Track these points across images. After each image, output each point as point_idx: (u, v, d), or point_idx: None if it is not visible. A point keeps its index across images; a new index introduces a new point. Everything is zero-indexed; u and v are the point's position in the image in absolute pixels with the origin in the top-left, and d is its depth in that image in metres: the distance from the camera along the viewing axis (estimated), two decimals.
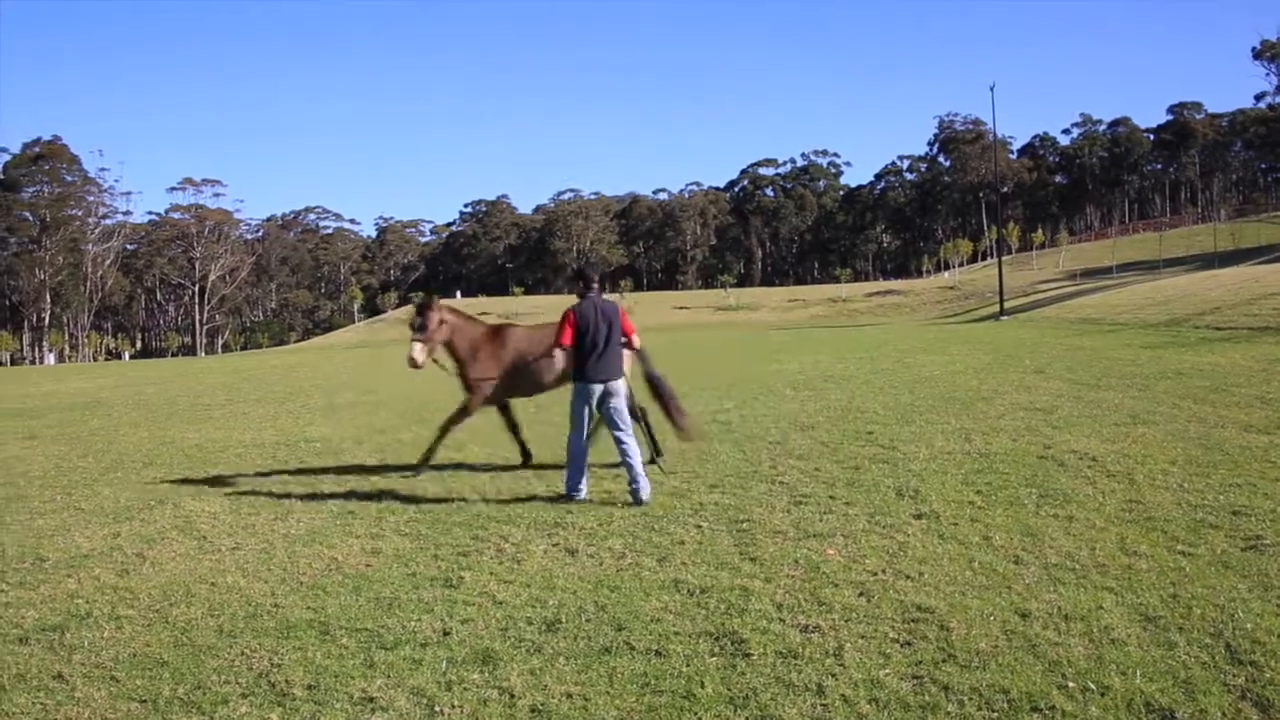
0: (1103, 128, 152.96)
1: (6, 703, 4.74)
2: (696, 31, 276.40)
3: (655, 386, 10.49)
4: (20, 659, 5.34)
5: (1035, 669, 4.60)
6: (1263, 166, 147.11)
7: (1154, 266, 72.49)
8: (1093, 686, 4.39)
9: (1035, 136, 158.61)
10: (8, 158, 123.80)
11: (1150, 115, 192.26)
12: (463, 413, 10.71)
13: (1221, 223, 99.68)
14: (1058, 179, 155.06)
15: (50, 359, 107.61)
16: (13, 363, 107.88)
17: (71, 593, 6.59)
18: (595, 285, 9.13)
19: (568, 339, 8.84)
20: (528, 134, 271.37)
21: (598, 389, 8.83)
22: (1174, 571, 5.97)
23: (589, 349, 8.81)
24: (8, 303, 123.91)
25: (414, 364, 10.07)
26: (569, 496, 8.92)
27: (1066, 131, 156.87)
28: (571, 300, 9.35)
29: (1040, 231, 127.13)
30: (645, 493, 8.64)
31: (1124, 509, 7.60)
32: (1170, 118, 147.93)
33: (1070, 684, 4.43)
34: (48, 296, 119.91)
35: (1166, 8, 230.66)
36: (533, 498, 9.15)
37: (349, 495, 9.65)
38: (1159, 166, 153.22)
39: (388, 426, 15.50)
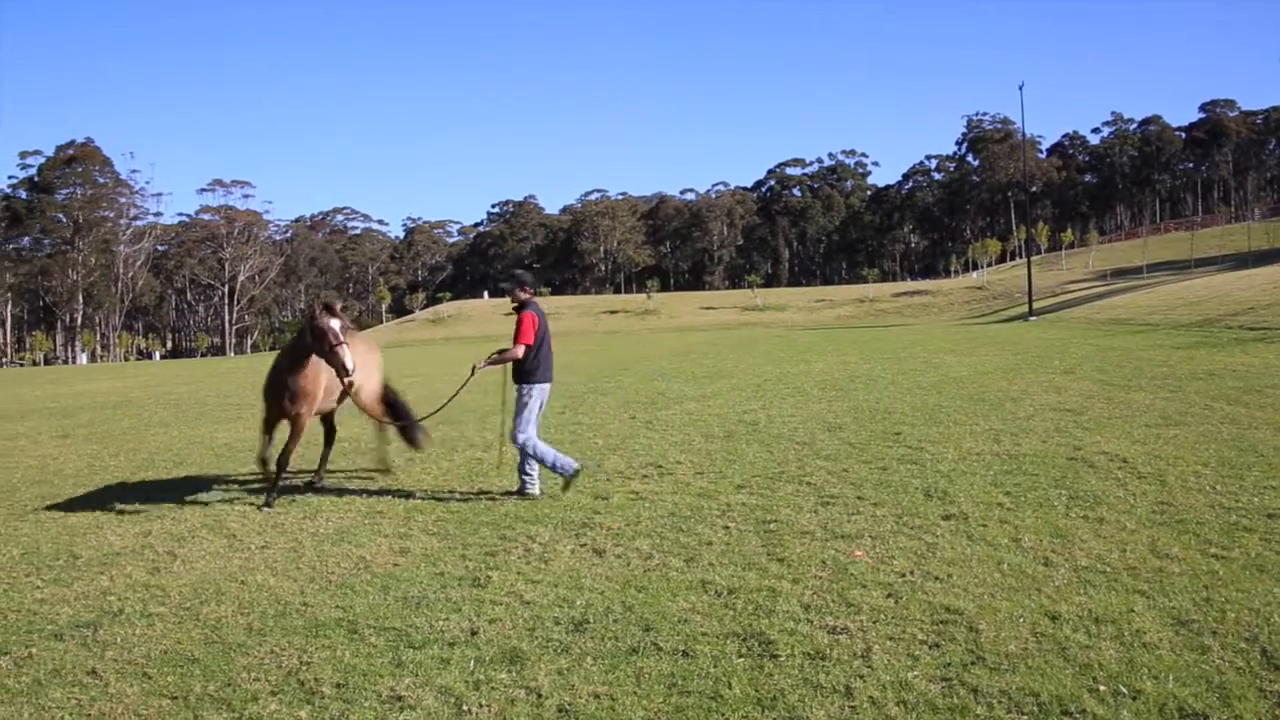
0: (1133, 126, 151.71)
1: (43, 697, 4.80)
2: (724, 32, 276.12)
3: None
4: (55, 654, 5.41)
5: (1066, 672, 4.57)
6: None
7: (1185, 266, 71.74)
8: (1124, 690, 4.34)
9: (1065, 135, 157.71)
10: (42, 160, 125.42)
11: (1182, 113, 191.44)
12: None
13: (1255, 221, 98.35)
14: (1087, 178, 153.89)
15: (83, 359, 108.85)
16: (46, 362, 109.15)
17: (104, 590, 6.66)
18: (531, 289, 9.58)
19: (531, 340, 9.14)
20: (555, 135, 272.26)
21: (549, 388, 9.39)
22: (1207, 575, 5.90)
23: (546, 350, 9.31)
24: (42, 303, 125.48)
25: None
26: (576, 473, 9.28)
27: (1096, 130, 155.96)
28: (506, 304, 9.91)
29: (1069, 231, 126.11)
30: (534, 488, 9.31)
31: (1155, 511, 7.53)
32: (1203, 115, 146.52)
33: (1101, 688, 4.39)
34: (80, 297, 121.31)
35: (1199, 4, 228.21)
36: (559, 496, 9.15)
37: (377, 494, 9.70)
38: (1191, 165, 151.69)
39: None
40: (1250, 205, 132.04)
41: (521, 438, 9.11)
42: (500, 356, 9.33)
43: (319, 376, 9.61)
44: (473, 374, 9.51)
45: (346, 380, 9.23)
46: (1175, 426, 11.37)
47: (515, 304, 9.43)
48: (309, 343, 9.21)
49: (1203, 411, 12.42)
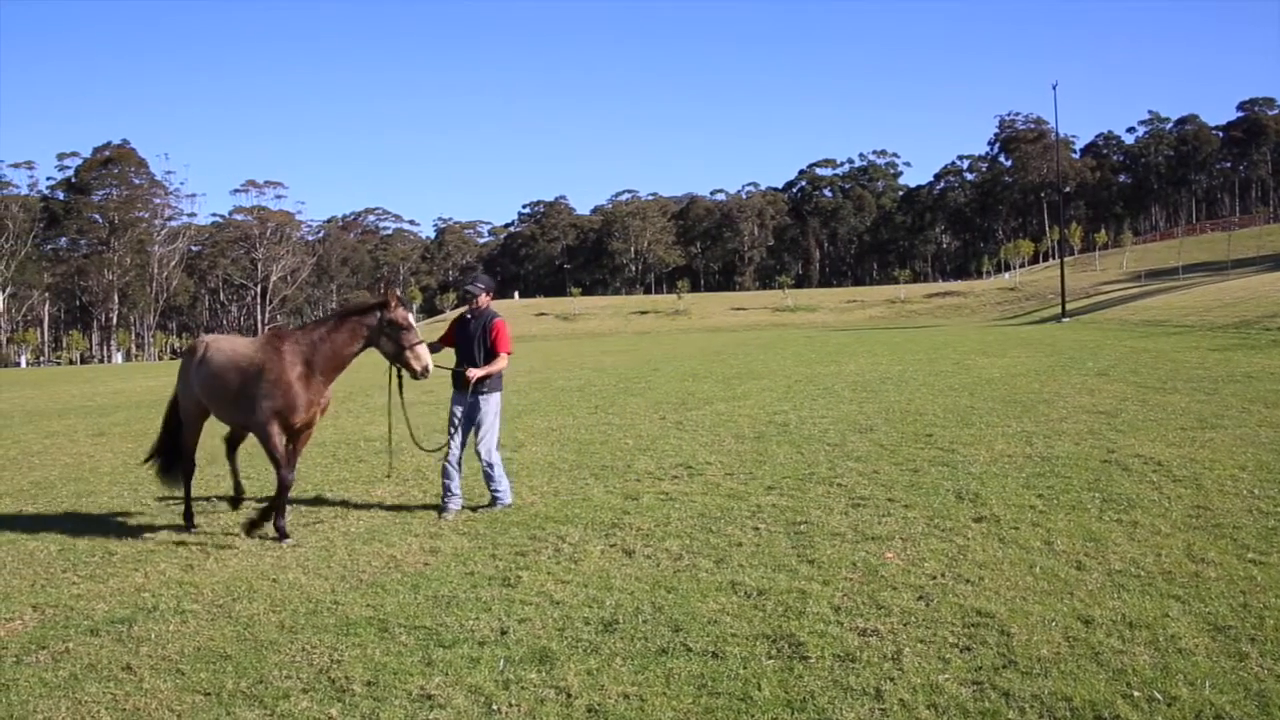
0: (1170, 125, 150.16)
1: (79, 692, 4.86)
2: (755, 33, 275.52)
3: None
4: (91, 649, 5.47)
5: (1099, 677, 4.52)
6: None
7: (1222, 267, 70.87)
8: (1159, 696, 4.29)
9: (1099, 135, 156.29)
10: (79, 162, 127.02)
11: (1220, 112, 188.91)
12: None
13: None
14: (1122, 178, 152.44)
15: (118, 358, 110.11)
16: (82, 361, 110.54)
17: (139, 586, 6.73)
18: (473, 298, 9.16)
19: (511, 347, 9.08)
20: (586, 135, 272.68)
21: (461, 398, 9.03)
22: (1244, 580, 5.83)
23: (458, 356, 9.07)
24: (78, 303, 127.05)
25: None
26: (506, 507, 8.92)
27: (1131, 130, 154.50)
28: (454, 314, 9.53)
29: (1103, 232, 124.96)
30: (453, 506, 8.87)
31: (1191, 515, 7.44)
32: (1241, 114, 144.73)
33: (1135, 693, 4.34)
34: (116, 297, 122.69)
35: (1237, 2, 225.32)
36: (590, 497, 9.17)
37: (408, 494, 9.76)
38: (1228, 165, 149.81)
39: (445, 426, 15.59)
40: None
41: (497, 453, 8.93)
42: (490, 367, 8.82)
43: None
44: (468, 386, 8.76)
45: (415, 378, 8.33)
46: (1211, 429, 11.24)
47: (474, 309, 9.01)
48: (371, 335, 8.12)
49: (1240, 414, 12.27)
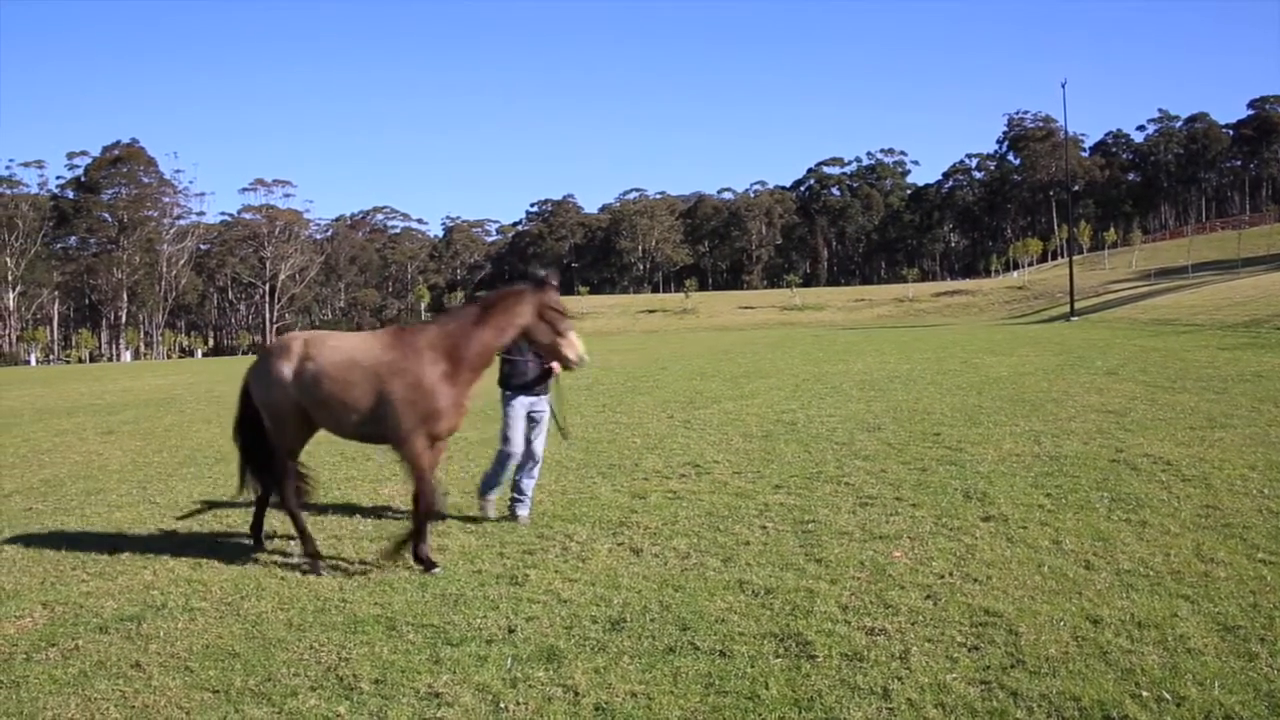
0: (1179, 124, 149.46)
1: (88, 689, 4.87)
2: (763, 32, 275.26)
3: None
4: (100, 647, 5.49)
5: (1107, 677, 4.51)
6: None
7: (1232, 266, 70.62)
8: (1168, 696, 4.28)
9: (1108, 134, 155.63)
10: (88, 161, 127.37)
11: (1230, 110, 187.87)
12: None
13: None
14: (1131, 177, 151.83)
15: (126, 356, 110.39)
16: (91, 360, 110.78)
17: (147, 584, 6.75)
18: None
19: None
20: (594, 134, 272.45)
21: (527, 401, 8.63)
22: (1254, 580, 5.81)
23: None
24: (87, 301, 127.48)
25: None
26: (484, 510, 8.59)
27: (1141, 128, 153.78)
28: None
29: (1112, 231, 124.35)
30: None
31: (1200, 515, 7.42)
32: (1251, 112, 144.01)
33: (1144, 693, 4.33)
34: (125, 295, 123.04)
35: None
36: (597, 495, 9.17)
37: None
38: (1238, 163, 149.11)
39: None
40: None
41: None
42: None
43: None
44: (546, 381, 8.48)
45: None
46: (1221, 429, 11.20)
47: None
48: (527, 325, 7.13)
49: (1249, 414, 12.23)
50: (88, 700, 4.75)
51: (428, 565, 6.82)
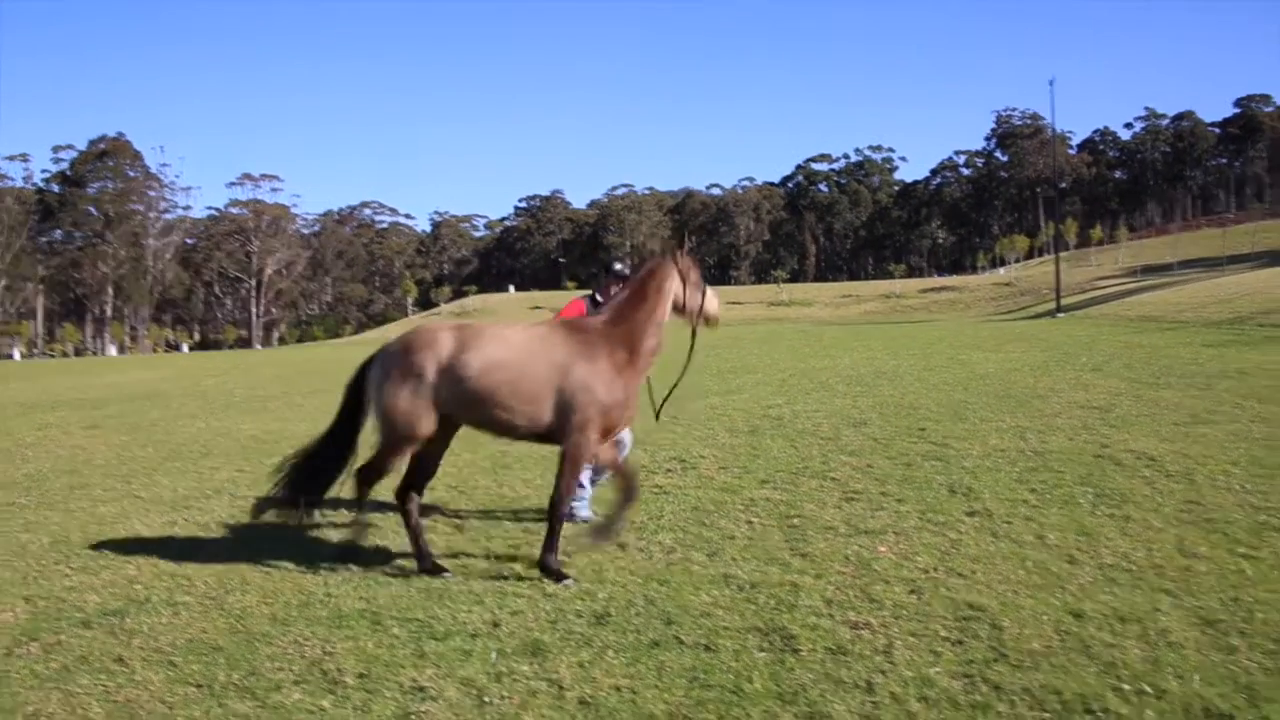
0: (1166, 122, 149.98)
1: (71, 684, 4.86)
2: (751, 27, 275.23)
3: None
4: (83, 641, 5.47)
5: (1089, 670, 4.54)
6: None
7: (1217, 263, 70.88)
8: (1149, 690, 4.31)
9: (1095, 131, 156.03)
10: (74, 154, 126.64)
11: (1216, 109, 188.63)
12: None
13: None
14: (1118, 174, 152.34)
15: (112, 351, 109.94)
16: (76, 354, 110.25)
17: (131, 578, 6.73)
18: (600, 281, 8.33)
19: None
20: (582, 129, 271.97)
21: None
22: (1235, 574, 5.85)
23: None
24: (72, 295, 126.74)
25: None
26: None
27: (1129, 126, 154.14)
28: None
29: (1099, 228, 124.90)
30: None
31: (1183, 510, 7.46)
32: (1237, 111, 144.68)
33: (1125, 686, 4.35)
34: (110, 290, 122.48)
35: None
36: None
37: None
38: (1224, 161, 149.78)
39: None
40: None
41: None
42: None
43: None
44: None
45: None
46: (1204, 425, 11.26)
47: (605, 291, 8.13)
48: (674, 293, 7.08)
49: (1233, 410, 12.30)
50: (69, 695, 4.73)
51: (560, 576, 6.34)
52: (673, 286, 6.98)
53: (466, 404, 6.49)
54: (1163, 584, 5.73)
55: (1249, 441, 10.10)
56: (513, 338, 6.70)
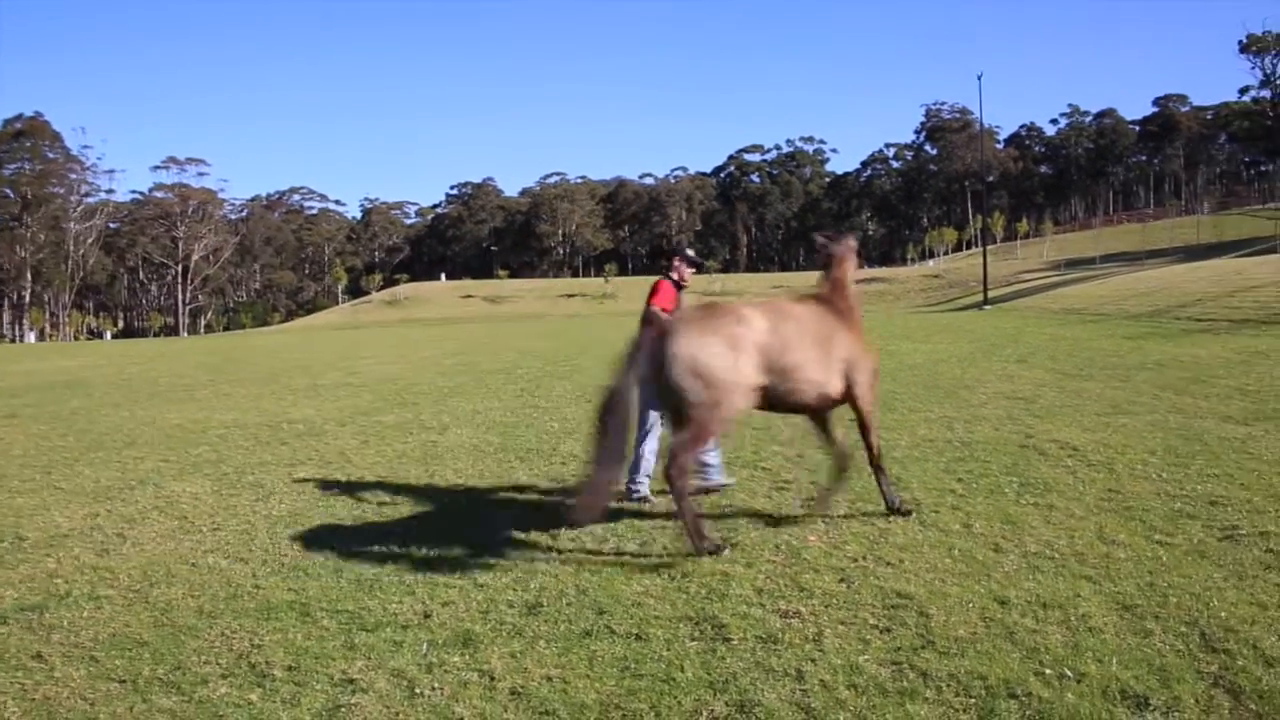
0: (1089, 119, 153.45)
1: None
2: (684, 17, 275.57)
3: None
4: None
5: (1013, 656, 4.64)
6: (1246, 160, 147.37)
7: (1137, 258, 72.65)
8: (1069, 673, 4.42)
9: (1022, 126, 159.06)
10: None
11: (1137, 107, 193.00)
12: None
13: (1204, 215, 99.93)
14: (1043, 169, 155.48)
15: (30, 337, 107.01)
16: None
17: (50, 572, 6.57)
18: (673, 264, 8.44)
19: None
20: (515, 117, 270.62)
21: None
22: (1151, 560, 6.01)
23: None
24: None
25: None
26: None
27: (1054, 121, 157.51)
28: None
29: (1025, 221, 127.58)
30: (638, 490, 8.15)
31: (1103, 498, 7.64)
32: (1156, 110, 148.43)
33: (1047, 671, 4.46)
34: (28, 274, 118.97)
35: (1156, 0, 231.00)
36: (514, 480, 9.14)
37: (330, 477, 9.64)
38: (1144, 158, 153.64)
39: (371, 409, 15.47)
40: (1200, 199, 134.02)
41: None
42: None
43: None
44: None
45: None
46: (1124, 415, 11.55)
47: (684, 280, 8.37)
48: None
49: (1151, 400, 12.62)
50: None
51: (900, 510, 7.27)
52: (854, 271, 7.51)
53: (779, 379, 6.63)
54: (1084, 571, 5.87)
55: (1166, 431, 10.38)
56: (811, 313, 7.00)
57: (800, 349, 6.69)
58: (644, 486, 8.12)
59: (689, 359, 6.28)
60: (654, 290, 8.17)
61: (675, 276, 8.30)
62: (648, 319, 7.70)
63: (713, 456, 8.22)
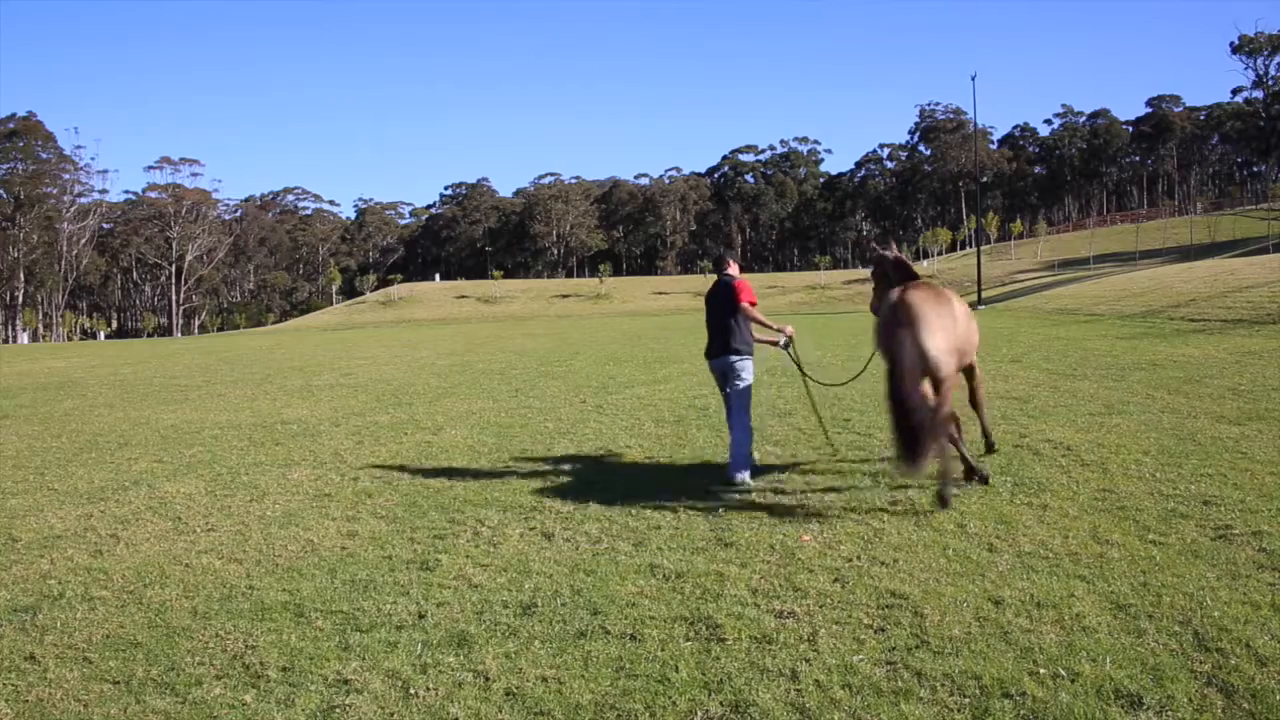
0: (1083, 119, 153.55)
1: None
2: (679, 17, 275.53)
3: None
4: None
5: (1007, 656, 4.64)
6: (1239, 160, 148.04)
7: (1130, 258, 72.88)
8: (1063, 673, 4.43)
9: (1015, 127, 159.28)
10: None
11: (1130, 107, 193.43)
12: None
13: (1197, 215, 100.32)
14: (1037, 169, 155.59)
15: (24, 338, 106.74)
16: None
17: (44, 573, 6.55)
18: (723, 266, 9.65)
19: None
20: (509, 117, 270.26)
21: (711, 364, 9.33)
22: (1145, 560, 6.02)
23: (708, 329, 9.29)
24: None
25: None
26: (740, 482, 8.63)
27: (1048, 122, 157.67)
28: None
29: (1019, 222, 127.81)
30: (737, 475, 8.65)
31: (1097, 498, 7.66)
32: (1149, 110, 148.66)
33: (1041, 670, 4.46)
34: (21, 275, 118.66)
35: (1149, 1, 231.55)
36: (509, 480, 9.14)
37: (325, 477, 9.63)
38: (1137, 159, 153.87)
39: (365, 409, 15.45)
40: (1193, 199, 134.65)
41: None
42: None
43: None
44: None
45: None
46: (1118, 415, 11.57)
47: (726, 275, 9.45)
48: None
49: (1145, 400, 12.65)
50: None
51: (990, 448, 9.33)
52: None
53: (964, 350, 8.10)
54: (1078, 570, 5.88)
55: (1159, 431, 10.40)
56: (946, 295, 8.17)
57: (971, 326, 8.33)
58: (745, 475, 8.67)
59: (928, 328, 7.52)
60: (748, 284, 9.26)
61: (732, 272, 9.41)
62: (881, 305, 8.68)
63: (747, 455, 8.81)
